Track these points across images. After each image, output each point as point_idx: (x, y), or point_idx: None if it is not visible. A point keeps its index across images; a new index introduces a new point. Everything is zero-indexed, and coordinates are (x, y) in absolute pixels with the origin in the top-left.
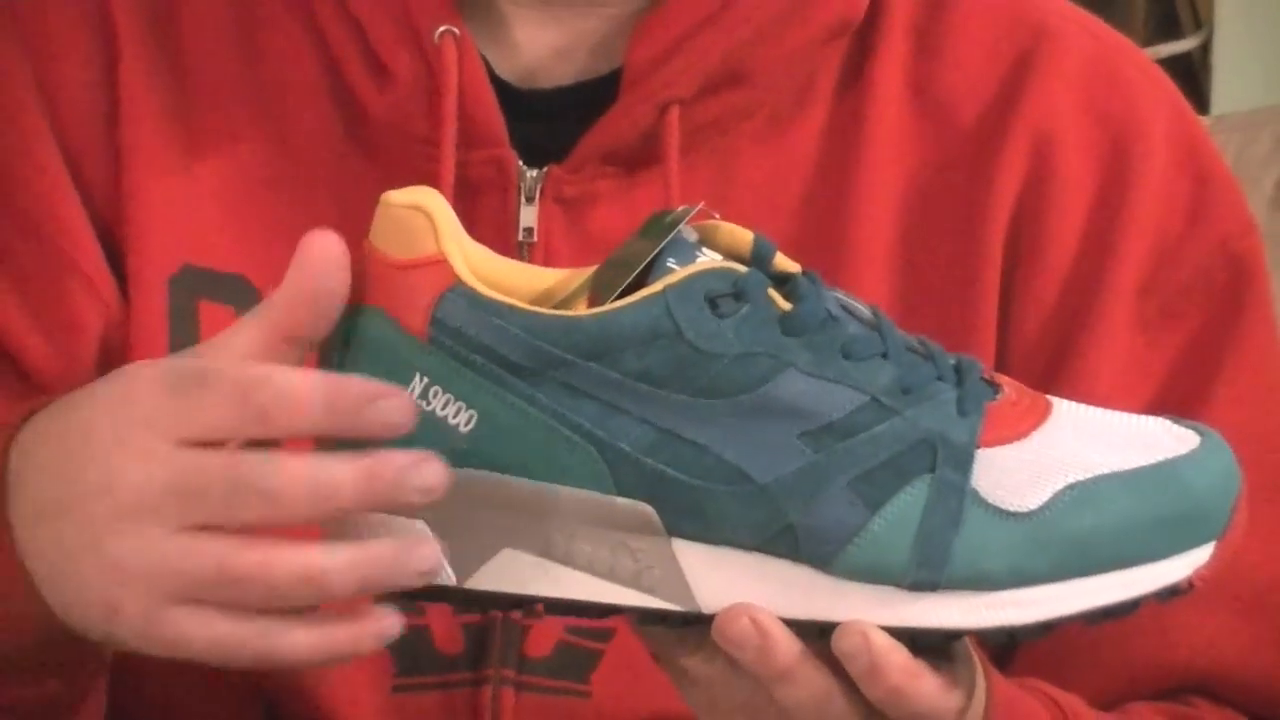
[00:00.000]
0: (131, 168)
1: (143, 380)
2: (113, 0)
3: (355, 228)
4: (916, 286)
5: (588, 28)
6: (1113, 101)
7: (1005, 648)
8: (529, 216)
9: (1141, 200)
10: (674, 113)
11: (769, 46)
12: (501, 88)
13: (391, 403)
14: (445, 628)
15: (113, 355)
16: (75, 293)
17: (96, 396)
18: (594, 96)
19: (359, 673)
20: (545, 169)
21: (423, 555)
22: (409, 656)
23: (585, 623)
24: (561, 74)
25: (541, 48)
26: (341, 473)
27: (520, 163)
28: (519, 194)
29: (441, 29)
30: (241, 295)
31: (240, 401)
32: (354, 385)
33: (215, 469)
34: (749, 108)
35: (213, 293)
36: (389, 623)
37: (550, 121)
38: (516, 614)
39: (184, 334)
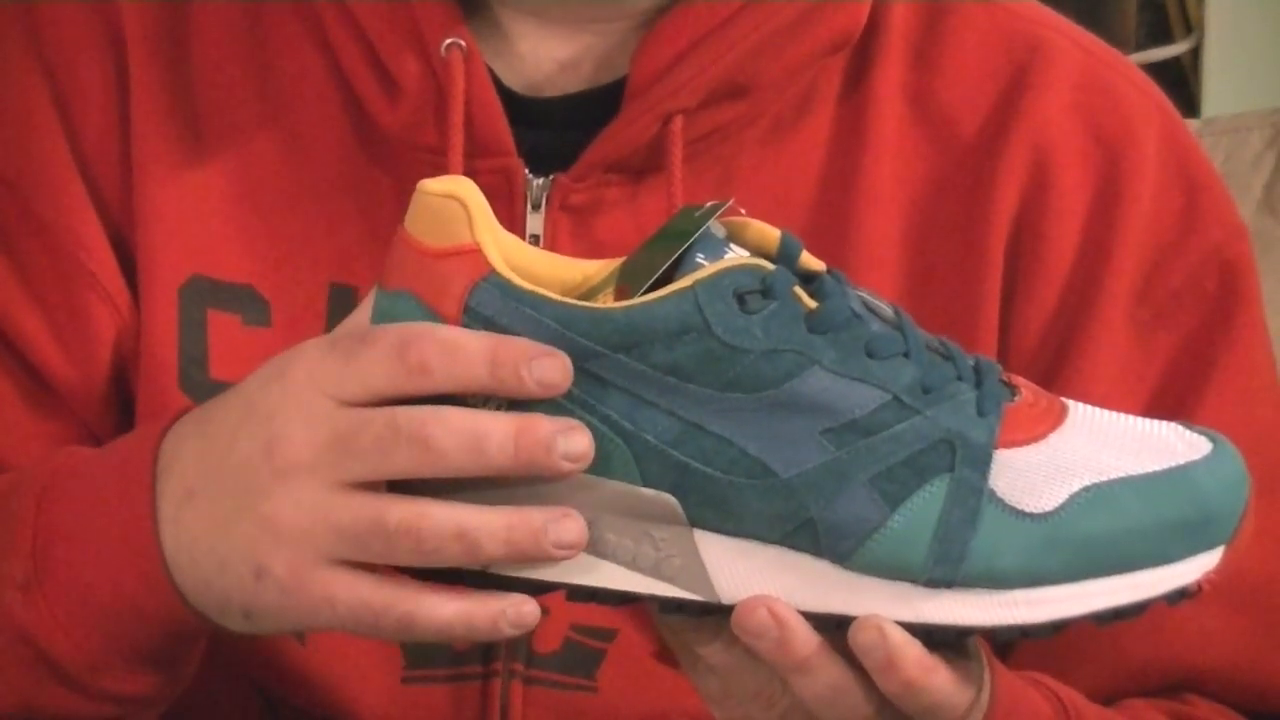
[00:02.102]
0: (143, 179)
1: (305, 349)
2: (124, 15)
3: (367, 235)
4: (920, 292)
5: (592, 41)
6: (1106, 114)
7: (1006, 641)
8: (535, 224)
9: (1135, 210)
10: (677, 122)
11: (771, 60)
12: (507, 96)
13: (553, 361)
14: None
15: (126, 363)
16: (91, 302)
17: (256, 377)
18: (599, 105)
19: (369, 664)
20: (551, 177)
21: (569, 528)
22: (418, 650)
23: (589, 621)
24: (566, 84)
25: (546, 60)
26: (494, 427)
27: (527, 171)
28: (525, 202)
29: (448, 41)
30: (250, 305)
31: (401, 355)
32: (516, 341)
33: (375, 419)
34: (751, 116)
35: (221, 302)
36: (529, 609)
37: (555, 129)
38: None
39: (193, 343)
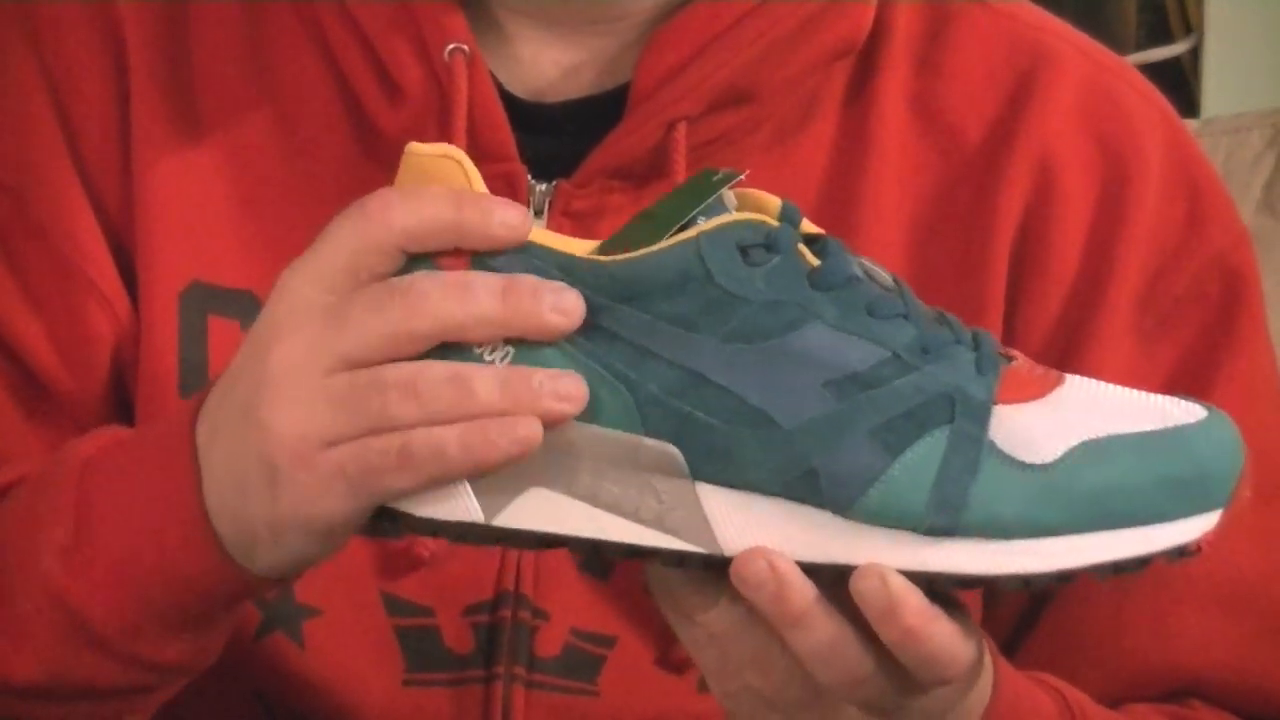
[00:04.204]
0: (142, 183)
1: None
2: (123, 17)
3: None
4: (923, 299)
5: (595, 46)
6: (1110, 122)
7: (1009, 643)
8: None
9: (1138, 217)
10: (681, 129)
11: (775, 66)
12: (510, 102)
13: (512, 209)
14: (455, 628)
15: (125, 369)
16: (89, 307)
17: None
18: (602, 111)
19: (369, 668)
20: (554, 183)
21: (568, 384)
22: (419, 655)
23: (590, 628)
24: (570, 90)
25: (549, 65)
26: (480, 279)
27: (530, 178)
28: (528, 208)
29: (451, 46)
30: (250, 311)
31: (361, 207)
32: (474, 191)
33: (362, 292)
34: (755, 123)
35: (222, 308)
36: (532, 429)
37: (558, 136)
38: (525, 613)
39: (193, 349)
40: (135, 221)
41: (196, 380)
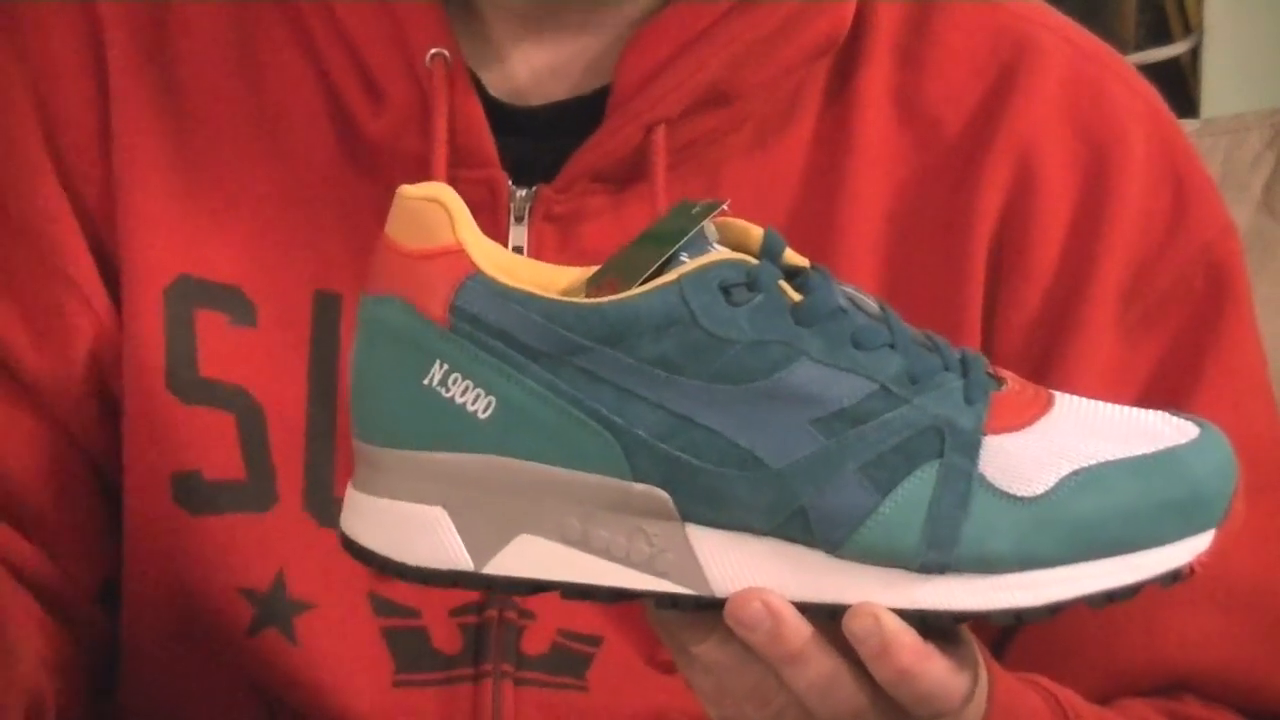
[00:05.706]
0: (126, 181)
1: None
2: (103, 16)
3: (352, 243)
4: (903, 294)
5: (577, 48)
6: (1093, 112)
7: (999, 643)
8: (519, 235)
9: (1122, 210)
10: (660, 132)
11: (756, 66)
12: (491, 106)
13: None
14: (443, 628)
15: (105, 366)
16: (69, 305)
17: None
18: (583, 113)
19: (358, 668)
20: (535, 189)
21: None
22: (408, 656)
23: (575, 627)
24: (552, 92)
25: (532, 68)
26: None
27: (510, 183)
28: (509, 213)
29: (433, 51)
30: (236, 305)
31: None
32: None
33: None
34: (735, 123)
35: (209, 301)
36: None
37: (539, 138)
38: (512, 614)
39: (181, 342)
40: (118, 220)
41: (184, 372)
